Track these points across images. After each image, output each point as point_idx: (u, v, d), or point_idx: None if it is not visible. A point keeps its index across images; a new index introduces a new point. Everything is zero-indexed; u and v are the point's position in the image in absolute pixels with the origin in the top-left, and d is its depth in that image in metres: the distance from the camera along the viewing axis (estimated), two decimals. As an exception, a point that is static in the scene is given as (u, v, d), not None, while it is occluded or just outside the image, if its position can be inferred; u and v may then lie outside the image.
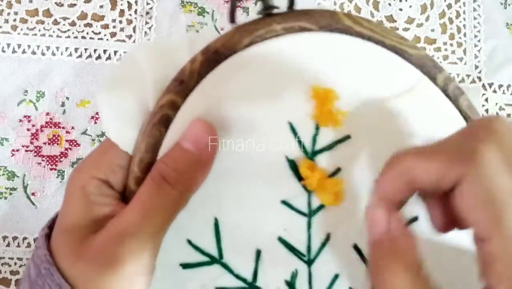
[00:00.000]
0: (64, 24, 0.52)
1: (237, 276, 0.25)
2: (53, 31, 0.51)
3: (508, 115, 0.54)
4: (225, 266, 0.25)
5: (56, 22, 0.52)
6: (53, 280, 0.22)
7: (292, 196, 0.25)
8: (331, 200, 0.26)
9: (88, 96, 0.50)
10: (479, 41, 0.56)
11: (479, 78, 0.55)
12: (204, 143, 0.23)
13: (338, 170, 0.26)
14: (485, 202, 0.19)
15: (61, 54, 0.51)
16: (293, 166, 0.25)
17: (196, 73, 0.24)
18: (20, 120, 0.49)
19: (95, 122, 0.50)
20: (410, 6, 0.56)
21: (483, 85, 0.55)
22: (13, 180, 0.49)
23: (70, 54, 0.51)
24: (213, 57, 0.24)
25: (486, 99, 0.54)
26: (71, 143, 0.50)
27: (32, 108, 0.50)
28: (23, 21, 0.52)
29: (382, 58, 0.26)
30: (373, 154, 0.26)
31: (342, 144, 0.26)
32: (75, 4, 0.52)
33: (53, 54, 0.51)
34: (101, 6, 0.53)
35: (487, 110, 0.54)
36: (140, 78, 0.24)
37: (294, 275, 0.26)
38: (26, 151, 0.49)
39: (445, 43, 0.55)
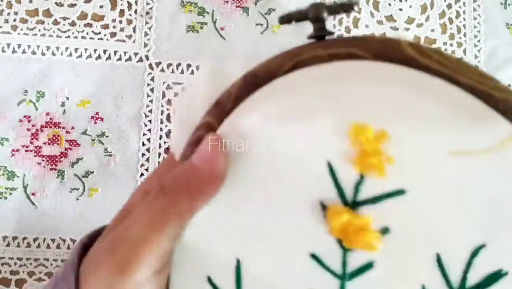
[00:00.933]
0: (64, 24, 0.52)
1: None
2: (53, 31, 0.51)
3: (508, 115, 0.54)
4: None
5: (56, 22, 0.52)
6: (65, 272, 0.23)
7: (324, 251, 0.21)
8: (366, 247, 0.20)
9: (88, 96, 0.50)
10: (479, 41, 0.56)
11: (479, 78, 0.55)
12: (207, 156, 0.22)
13: (386, 230, 0.20)
14: None
15: (61, 54, 0.51)
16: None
17: (233, 97, 0.22)
18: (20, 120, 0.49)
19: (95, 123, 0.50)
20: (410, 6, 0.56)
21: (483, 85, 0.55)
22: (13, 180, 0.49)
23: (70, 54, 0.51)
24: (251, 80, 0.22)
25: (486, 99, 0.54)
26: (71, 143, 0.50)
27: (32, 108, 0.50)
28: (23, 21, 0.52)
29: (455, 100, 0.20)
30: (431, 217, 0.20)
31: (393, 199, 0.20)
32: (75, 4, 0.52)
33: (53, 54, 0.51)
34: (101, 6, 0.53)
35: (487, 110, 0.54)
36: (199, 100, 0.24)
37: None
38: (26, 150, 0.49)
39: (445, 43, 0.55)
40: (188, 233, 0.22)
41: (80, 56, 0.51)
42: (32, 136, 0.49)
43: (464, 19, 0.56)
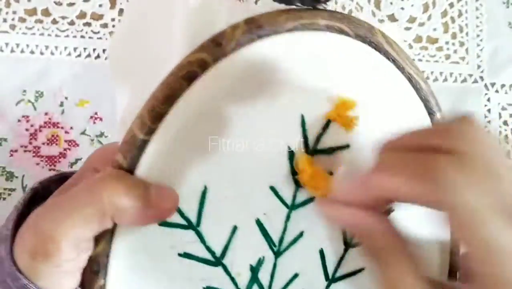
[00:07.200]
0: (63, 23, 0.51)
1: (207, 248, 0.25)
2: (52, 31, 0.51)
3: (511, 115, 0.54)
4: (199, 235, 0.25)
5: (55, 21, 0.51)
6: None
7: (281, 185, 0.26)
8: (317, 191, 0.26)
9: (87, 96, 0.50)
10: (481, 40, 0.55)
11: (481, 78, 0.54)
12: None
13: (330, 174, 0.27)
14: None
15: (60, 53, 0.51)
16: (291, 157, 0.26)
17: (235, 41, 0.24)
18: (19, 120, 0.49)
19: (94, 122, 0.50)
20: (412, 5, 0.55)
21: (485, 85, 0.54)
22: (11, 181, 0.48)
23: (69, 54, 0.51)
24: (255, 30, 0.24)
25: (488, 99, 0.54)
26: (70, 143, 0.49)
27: (31, 108, 0.50)
28: (22, 20, 0.51)
29: (399, 86, 0.28)
30: (365, 167, 0.25)
31: (342, 151, 0.27)
32: (74, 3, 0.52)
33: (52, 53, 0.51)
34: (100, 5, 0.52)
35: (489, 110, 0.54)
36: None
37: (260, 262, 0.26)
38: (25, 151, 0.49)
39: (447, 43, 0.55)
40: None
41: (79, 55, 0.51)
42: (31, 137, 0.49)
43: (466, 18, 0.56)
